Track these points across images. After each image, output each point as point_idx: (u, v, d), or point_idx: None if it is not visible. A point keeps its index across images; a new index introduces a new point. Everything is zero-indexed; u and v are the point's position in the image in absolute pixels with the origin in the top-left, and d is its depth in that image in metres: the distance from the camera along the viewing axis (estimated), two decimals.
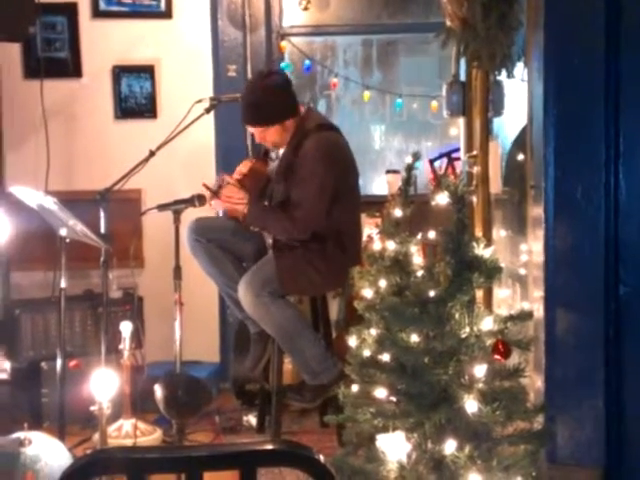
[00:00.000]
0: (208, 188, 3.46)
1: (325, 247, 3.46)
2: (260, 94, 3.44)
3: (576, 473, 2.61)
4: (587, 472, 2.61)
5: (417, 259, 2.26)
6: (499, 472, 2.02)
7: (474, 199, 3.40)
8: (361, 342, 2.29)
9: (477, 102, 3.41)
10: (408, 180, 2.35)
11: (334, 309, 4.31)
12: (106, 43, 4.58)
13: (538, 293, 2.74)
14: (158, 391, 3.28)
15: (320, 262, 3.45)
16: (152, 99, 4.61)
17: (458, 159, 4.31)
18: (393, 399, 2.14)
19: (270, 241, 3.55)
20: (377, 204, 4.29)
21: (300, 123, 3.48)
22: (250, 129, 3.59)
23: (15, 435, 2.86)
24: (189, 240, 3.57)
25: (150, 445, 3.38)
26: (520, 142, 3.42)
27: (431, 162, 4.57)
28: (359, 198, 3.67)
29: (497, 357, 2.06)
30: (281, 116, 3.45)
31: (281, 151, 3.57)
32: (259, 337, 3.59)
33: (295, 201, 3.44)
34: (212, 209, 3.66)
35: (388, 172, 4.64)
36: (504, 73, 3.17)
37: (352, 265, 3.03)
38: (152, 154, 3.45)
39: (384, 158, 5.42)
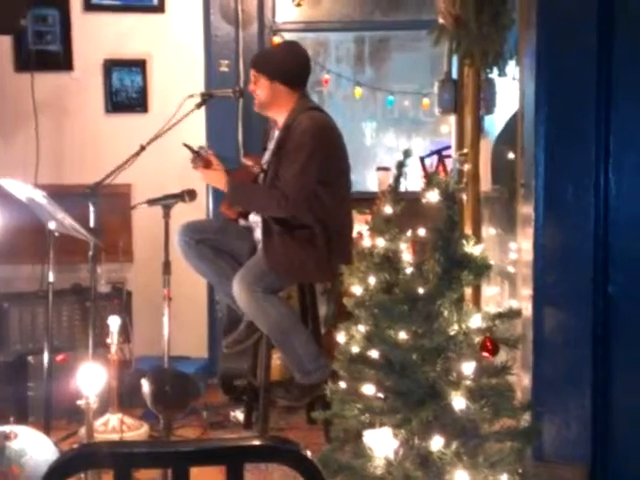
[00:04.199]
0: (189, 147, 3.46)
1: (312, 235, 3.43)
2: (277, 47, 3.85)
3: (562, 470, 2.62)
4: (573, 469, 2.62)
5: (407, 256, 2.25)
6: (485, 469, 2.03)
7: (464, 197, 3.40)
8: (350, 338, 2.29)
9: (468, 100, 3.42)
10: (399, 177, 2.35)
11: (323, 305, 4.31)
12: (98, 36, 4.56)
13: (527, 291, 2.75)
14: (145, 386, 3.27)
15: (308, 247, 3.42)
16: (143, 93, 4.59)
17: (449, 157, 4.31)
18: (381, 395, 2.14)
19: (258, 235, 3.54)
20: (367, 201, 4.29)
21: (296, 104, 3.49)
22: (251, 73, 3.59)
23: (0, 429, 2.85)
24: (179, 243, 3.56)
25: (137, 440, 3.38)
26: (505, 136, 3.42)
27: (422, 159, 4.57)
28: (349, 191, 3.64)
29: (485, 355, 2.06)
30: (276, 74, 3.46)
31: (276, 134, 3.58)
32: (251, 324, 3.58)
33: (281, 174, 3.42)
34: (193, 169, 3.60)
35: (379, 169, 4.64)
36: (496, 71, 3.17)
37: (340, 258, 3.01)
38: (142, 149, 3.44)
39: (375, 155, 5.43)
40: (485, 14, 3.01)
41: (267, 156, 3.62)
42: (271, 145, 3.60)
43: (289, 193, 3.36)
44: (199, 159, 3.45)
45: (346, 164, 3.61)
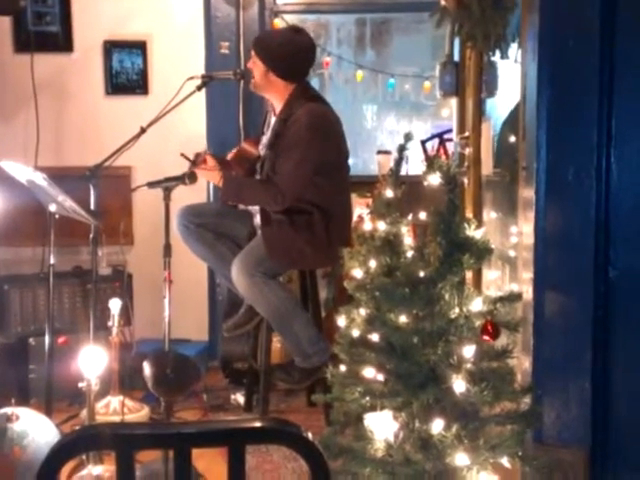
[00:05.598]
0: (186, 157, 3.47)
1: (311, 221, 3.44)
2: (279, 35, 3.61)
3: (562, 453, 2.62)
4: (573, 452, 2.63)
5: (408, 240, 2.25)
6: (485, 451, 2.04)
7: (465, 180, 3.39)
8: (350, 322, 2.29)
9: (470, 83, 3.40)
10: (400, 161, 2.34)
11: (323, 289, 4.31)
12: (98, 17, 4.53)
13: (527, 275, 2.75)
14: (146, 368, 3.27)
15: (307, 234, 3.43)
16: (143, 75, 4.57)
17: (450, 140, 4.30)
18: (381, 379, 2.15)
19: (258, 220, 3.54)
20: (368, 184, 4.29)
21: (293, 95, 3.47)
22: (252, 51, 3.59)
23: (2, 411, 2.85)
24: (178, 227, 3.56)
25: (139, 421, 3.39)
26: (510, 123, 3.41)
27: (423, 143, 4.56)
28: (348, 177, 3.64)
29: (486, 338, 2.07)
30: (270, 64, 3.44)
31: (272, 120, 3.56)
32: (251, 307, 3.59)
33: (278, 169, 3.42)
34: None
35: (379, 152, 4.63)
36: (498, 53, 3.16)
37: (339, 244, 3.01)
38: (143, 131, 3.43)
39: (376, 138, 5.42)
40: None
41: (264, 141, 3.61)
42: (268, 131, 3.59)
43: (285, 189, 3.37)
44: (196, 164, 3.47)
45: (345, 152, 3.61)
